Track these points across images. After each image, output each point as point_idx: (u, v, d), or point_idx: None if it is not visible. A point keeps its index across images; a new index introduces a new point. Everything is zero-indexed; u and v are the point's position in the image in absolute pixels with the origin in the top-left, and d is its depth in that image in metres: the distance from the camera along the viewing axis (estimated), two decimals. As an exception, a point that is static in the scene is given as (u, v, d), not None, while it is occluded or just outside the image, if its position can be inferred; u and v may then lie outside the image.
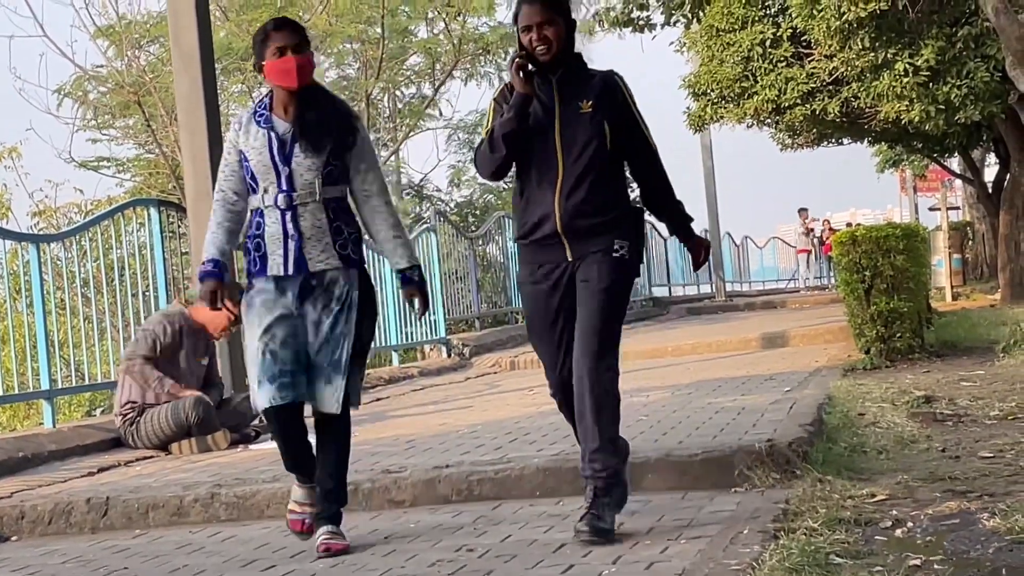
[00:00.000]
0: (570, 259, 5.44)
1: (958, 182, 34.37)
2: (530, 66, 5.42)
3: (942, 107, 16.66)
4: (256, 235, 5.63)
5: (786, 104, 19.07)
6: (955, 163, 30.64)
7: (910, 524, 4.84)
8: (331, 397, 5.55)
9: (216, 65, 11.76)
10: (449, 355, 16.10)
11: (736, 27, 19.34)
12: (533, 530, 5.48)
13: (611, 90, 5.52)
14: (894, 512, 5.06)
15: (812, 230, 37.70)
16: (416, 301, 5.80)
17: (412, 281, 5.76)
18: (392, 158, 28.52)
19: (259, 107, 5.73)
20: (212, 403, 8.90)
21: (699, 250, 5.69)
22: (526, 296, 5.64)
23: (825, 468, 5.92)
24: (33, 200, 21.59)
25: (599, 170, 5.42)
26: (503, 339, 17.17)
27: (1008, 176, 21.66)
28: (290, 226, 5.56)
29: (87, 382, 10.53)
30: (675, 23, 21.08)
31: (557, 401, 5.60)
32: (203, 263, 5.72)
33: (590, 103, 5.45)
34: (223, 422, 8.87)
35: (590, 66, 5.68)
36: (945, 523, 4.82)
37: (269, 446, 8.45)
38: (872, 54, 16.50)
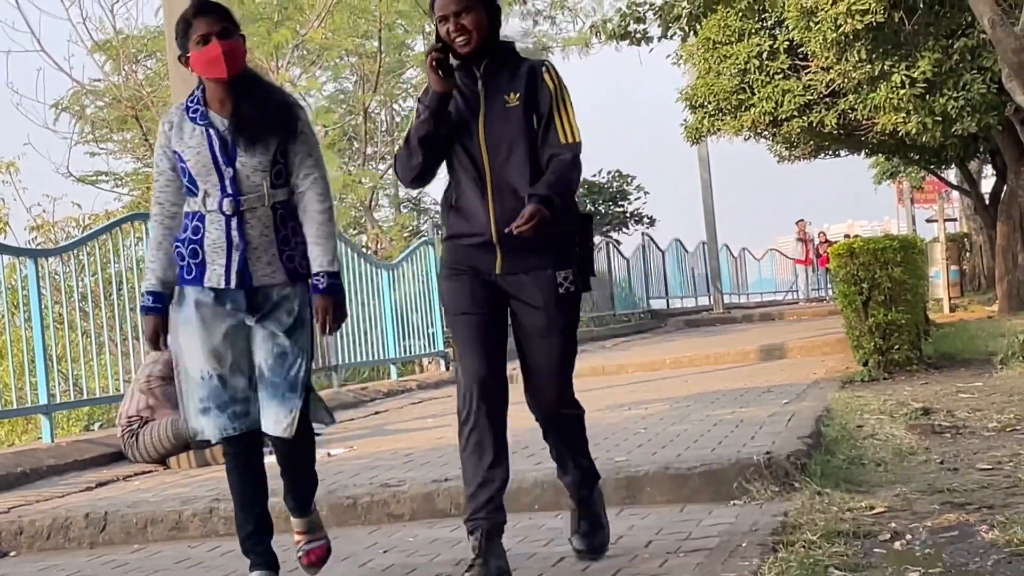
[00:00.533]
0: (499, 272, 4.91)
1: (955, 194, 34.41)
2: (451, 60, 4.89)
3: (939, 119, 16.69)
4: (193, 240, 4.96)
5: (783, 116, 19.13)
6: (952, 175, 30.71)
7: (909, 536, 4.84)
8: (285, 420, 4.94)
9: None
10: (448, 368, 16.11)
11: (733, 40, 19.40)
12: (532, 544, 5.48)
13: (537, 81, 4.95)
14: (893, 525, 5.06)
15: (811, 240, 37.67)
16: (321, 316, 4.95)
17: (317, 289, 4.94)
18: (389, 171, 28.53)
19: (191, 102, 5.05)
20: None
21: (528, 213, 4.69)
22: (449, 289, 5.02)
23: (824, 481, 5.92)
24: (31, 214, 21.54)
25: (533, 173, 4.86)
26: (501, 352, 17.14)
27: (1005, 187, 21.71)
28: (235, 234, 4.91)
29: (85, 397, 10.52)
30: (672, 36, 21.09)
31: (467, 412, 5.02)
32: (142, 295, 5.11)
33: (517, 96, 4.92)
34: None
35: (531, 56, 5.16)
36: (944, 535, 4.82)
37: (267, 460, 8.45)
38: (869, 66, 16.54)
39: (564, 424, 5.20)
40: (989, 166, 27.86)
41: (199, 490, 7.34)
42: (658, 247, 30.33)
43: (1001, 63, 13.44)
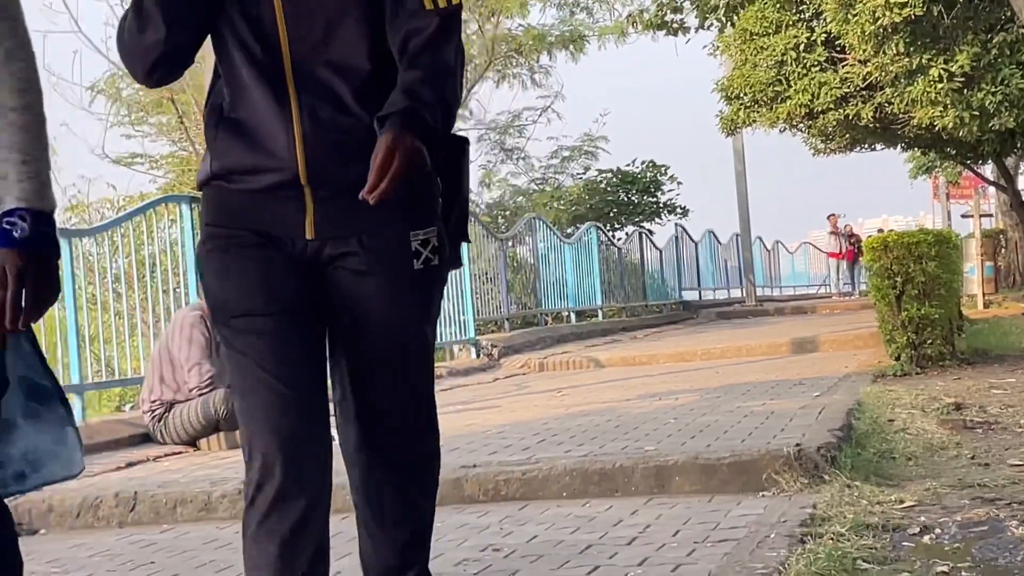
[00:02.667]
0: (309, 236, 3.05)
1: (991, 189, 34.27)
2: None
3: (976, 113, 16.59)
4: None
5: (819, 109, 19.04)
6: (988, 170, 30.54)
7: (938, 530, 4.81)
8: None
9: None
10: (478, 355, 16.11)
11: (770, 31, 19.33)
12: (559, 531, 5.47)
13: None
14: (922, 518, 5.03)
15: (842, 234, 37.57)
16: (12, 287, 2.62)
17: (8, 239, 2.64)
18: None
19: None
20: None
21: (382, 154, 2.84)
22: (218, 270, 3.10)
23: (853, 473, 5.90)
24: (66, 195, 21.73)
25: (369, 66, 3.04)
26: (532, 340, 17.18)
27: (1042, 184, 21.59)
28: None
29: (117, 377, 10.59)
30: (709, 27, 21.06)
31: (255, 493, 3.03)
32: None
33: None
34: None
35: None
36: (973, 530, 4.79)
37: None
38: (906, 59, 16.45)
39: (413, 470, 3.28)
40: (1026, 162, 27.71)
41: (228, 472, 7.36)
42: (691, 238, 30.28)
43: (1040, 58, 13.38)
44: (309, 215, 3.03)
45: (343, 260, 3.08)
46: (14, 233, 2.66)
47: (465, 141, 3.23)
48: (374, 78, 3.02)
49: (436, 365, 15.35)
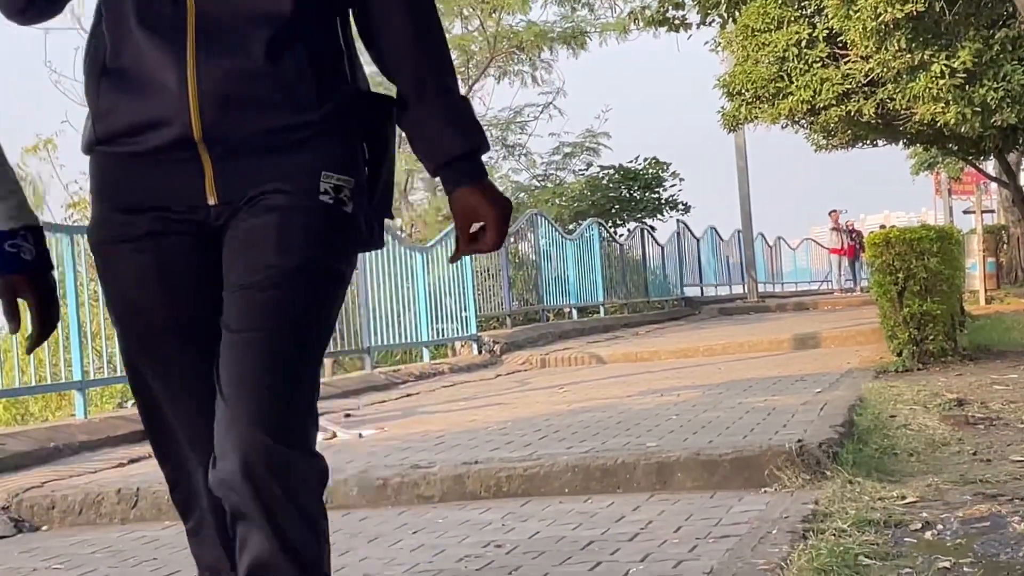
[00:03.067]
0: (214, 202, 2.52)
1: (993, 185, 34.27)
2: None
3: (978, 109, 16.60)
4: None
5: (821, 105, 19.05)
6: (990, 166, 30.54)
7: (940, 526, 4.81)
8: None
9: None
10: (480, 352, 16.12)
11: (772, 27, 19.33)
12: (561, 527, 5.47)
13: None
14: (924, 514, 5.03)
15: (844, 230, 37.55)
16: (37, 309, 2.66)
17: (16, 262, 2.56)
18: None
19: None
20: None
21: (465, 215, 2.55)
22: (115, 270, 2.67)
23: (855, 469, 5.89)
24: (68, 192, 21.70)
25: (291, 7, 2.49)
26: (534, 337, 17.18)
27: (1044, 180, 21.58)
28: None
29: (119, 374, 10.56)
30: (710, 23, 21.05)
31: (196, 522, 2.95)
32: None
33: None
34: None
35: None
36: (975, 526, 4.79)
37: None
38: (908, 55, 16.45)
39: (276, 482, 2.46)
40: (1028, 158, 27.71)
41: (230, 468, 7.34)
42: (693, 234, 30.28)
43: (1042, 54, 13.36)
44: (209, 177, 2.50)
45: (244, 207, 2.53)
46: (23, 256, 2.55)
47: (392, 101, 2.64)
48: (298, 23, 2.50)
49: (438, 361, 15.41)
